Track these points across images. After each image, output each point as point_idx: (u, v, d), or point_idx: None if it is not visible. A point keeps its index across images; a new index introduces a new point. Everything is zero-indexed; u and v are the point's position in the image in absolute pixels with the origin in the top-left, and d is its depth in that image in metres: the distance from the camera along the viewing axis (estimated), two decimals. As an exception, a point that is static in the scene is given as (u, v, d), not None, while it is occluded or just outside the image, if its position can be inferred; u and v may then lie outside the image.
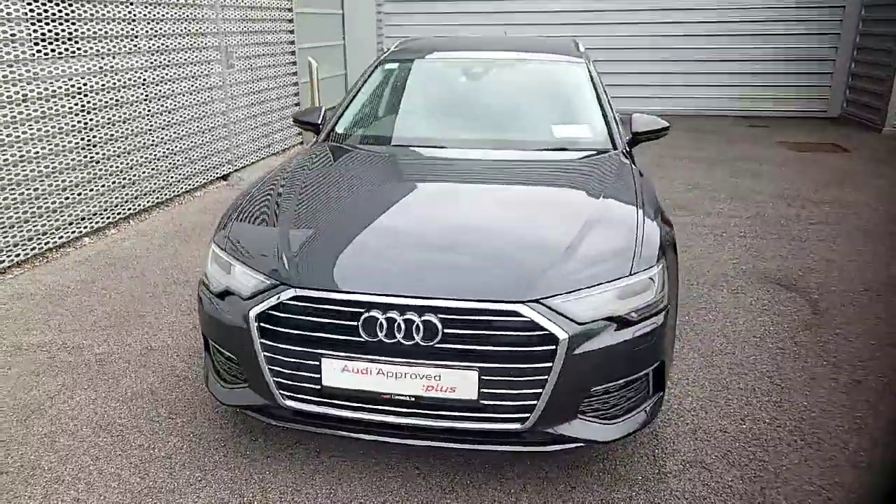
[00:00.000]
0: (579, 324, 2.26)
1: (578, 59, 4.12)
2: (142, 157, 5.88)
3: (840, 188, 6.70)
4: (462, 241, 2.62)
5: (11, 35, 4.49)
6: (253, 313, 2.38)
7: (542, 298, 2.25)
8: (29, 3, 4.62)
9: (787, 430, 2.85)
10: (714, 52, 11.10)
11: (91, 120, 5.26)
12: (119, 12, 5.45)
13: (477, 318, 2.25)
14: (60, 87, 4.93)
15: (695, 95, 11.33)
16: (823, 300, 4.11)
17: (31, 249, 4.75)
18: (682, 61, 11.22)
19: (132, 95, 5.69)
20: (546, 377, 2.24)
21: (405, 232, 2.69)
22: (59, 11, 4.86)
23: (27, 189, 4.72)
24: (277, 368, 2.39)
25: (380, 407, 2.34)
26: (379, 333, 2.26)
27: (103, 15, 5.28)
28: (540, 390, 2.25)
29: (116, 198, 5.60)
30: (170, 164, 6.27)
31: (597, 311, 2.30)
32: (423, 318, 2.24)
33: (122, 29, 5.50)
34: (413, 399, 2.29)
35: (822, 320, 3.85)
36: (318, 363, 2.32)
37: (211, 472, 2.63)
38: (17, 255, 4.64)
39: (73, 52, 5.02)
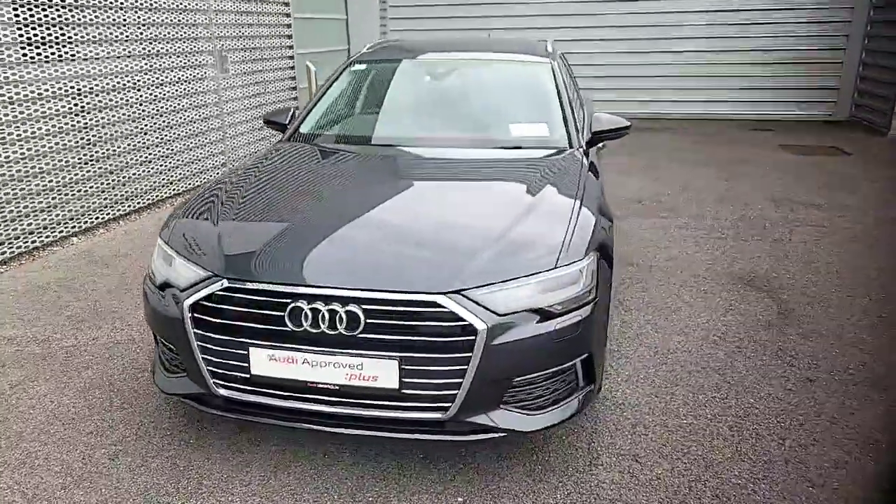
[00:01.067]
0: (500, 315, 2.29)
1: (543, 60, 4.15)
2: (132, 159, 6.01)
3: (833, 191, 6.62)
4: (390, 235, 2.67)
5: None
6: (187, 304, 2.45)
7: (463, 290, 2.29)
8: (16, 8, 4.76)
9: (728, 426, 2.84)
10: (721, 55, 11.01)
11: (79, 122, 5.40)
12: (109, 17, 5.59)
13: (398, 308, 2.29)
14: (48, 90, 5.07)
15: (700, 99, 11.23)
16: (792, 301, 4.07)
17: (17, 248, 4.89)
18: (687, 65, 11.13)
19: (121, 98, 5.83)
20: (466, 367, 2.26)
21: (336, 226, 2.70)
22: (47, 16, 5.01)
23: (14, 189, 4.86)
24: (210, 357, 2.45)
25: (306, 395, 2.40)
26: (304, 323, 2.31)
27: (93, 20, 5.43)
28: (460, 380, 2.28)
29: (106, 199, 5.73)
30: (161, 166, 6.40)
31: (518, 302, 2.32)
32: (346, 308, 2.28)
33: (111, 33, 5.64)
34: (337, 387, 2.34)
35: (786, 320, 3.82)
36: (246, 352, 2.38)
37: (152, 459, 2.69)
38: (3, 253, 4.77)
39: (62, 55, 5.16)
